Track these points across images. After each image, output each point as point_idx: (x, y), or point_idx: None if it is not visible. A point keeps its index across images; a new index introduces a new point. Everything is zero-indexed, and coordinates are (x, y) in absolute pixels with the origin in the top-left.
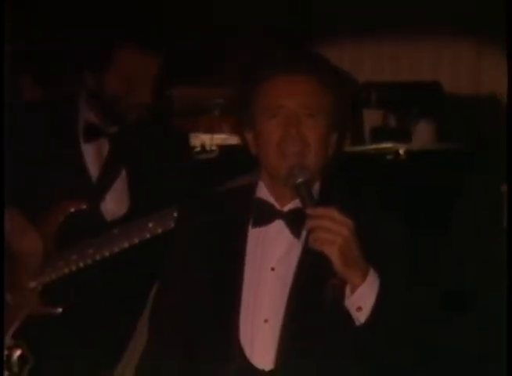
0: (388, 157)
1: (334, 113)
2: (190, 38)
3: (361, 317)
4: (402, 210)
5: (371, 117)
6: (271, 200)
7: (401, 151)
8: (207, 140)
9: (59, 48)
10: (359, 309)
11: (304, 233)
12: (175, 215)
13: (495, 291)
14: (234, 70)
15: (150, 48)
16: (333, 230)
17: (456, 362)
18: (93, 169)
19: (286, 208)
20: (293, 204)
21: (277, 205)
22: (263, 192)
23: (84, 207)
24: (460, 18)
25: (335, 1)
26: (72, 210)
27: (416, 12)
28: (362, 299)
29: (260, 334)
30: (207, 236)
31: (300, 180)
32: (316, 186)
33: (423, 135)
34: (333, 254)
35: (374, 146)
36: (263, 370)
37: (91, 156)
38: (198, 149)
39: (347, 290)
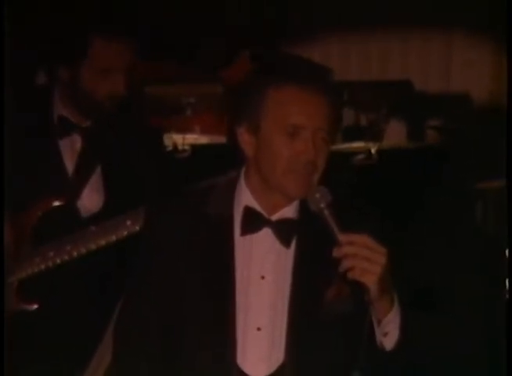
0: (360, 156)
1: (333, 129)
2: (165, 38)
3: (387, 342)
4: (374, 209)
5: (342, 117)
6: (258, 207)
7: (372, 150)
8: (178, 140)
9: (33, 40)
10: (385, 334)
11: (294, 243)
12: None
13: (468, 289)
14: (209, 68)
15: (125, 36)
16: (373, 260)
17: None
18: (69, 165)
19: (274, 217)
20: (282, 213)
21: (265, 213)
22: (248, 198)
23: (62, 203)
24: (430, 16)
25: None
26: (50, 206)
27: (386, 10)
28: (388, 325)
29: (252, 342)
30: (189, 244)
31: (322, 205)
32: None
33: (394, 134)
34: (372, 283)
35: (346, 146)
36: None
37: (66, 151)
38: (170, 148)
39: (375, 315)
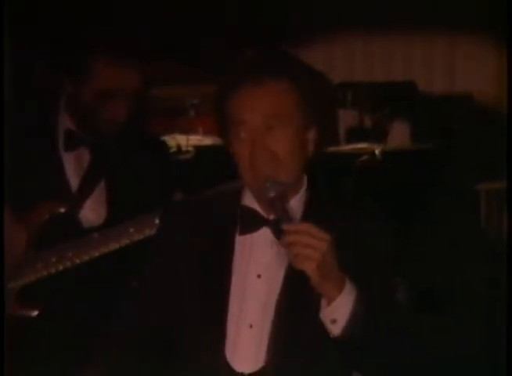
0: (364, 157)
1: (307, 110)
2: (166, 39)
3: (335, 329)
4: (378, 210)
5: (346, 118)
6: (256, 207)
7: (376, 151)
8: (182, 141)
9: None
10: (334, 321)
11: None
12: (156, 221)
13: (470, 289)
14: (209, 70)
15: (131, 60)
16: (312, 246)
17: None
18: (73, 178)
19: (272, 216)
20: None
21: (263, 213)
22: (248, 199)
23: (66, 210)
24: (434, 16)
25: (308, 0)
26: (56, 211)
27: (390, 11)
28: (337, 311)
29: (244, 338)
30: (194, 244)
31: (273, 195)
32: (302, 193)
33: (398, 135)
34: (311, 270)
35: (350, 147)
36: (242, 374)
37: (71, 164)
38: (174, 150)
39: (323, 302)
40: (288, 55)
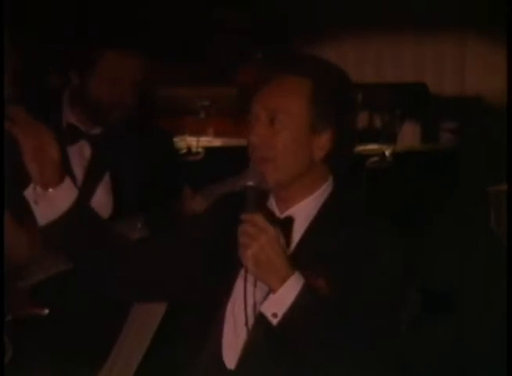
0: (374, 158)
1: (322, 114)
2: (171, 39)
3: (274, 321)
4: (388, 211)
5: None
6: (272, 205)
7: (386, 152)
8: (193, 142)
9: (47, 46)
10: (275, 315)
11: (293, 241)
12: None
13: (481, 290)
14: (221, 70)
15: (136, 51)
16: (251, 235)
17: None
18: (77, 172)
19: (283, 215)
20: (290, 211)
21: (277, 212)
22: (271, 196)
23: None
24: (444, 17)
25: (315, 0)
26: None
27: (400, 12)
28: (277, 305)
29: (238, 334)
30: (218, 238)
31: (250, 183)
32: (319, 193)
33: (408, 136)
34: (245, 257)
35: (360, 148)
36: (230, 370)
37: (75, 158)
38: (184, 151)
39: (270, 295)
40: (316, 57)
